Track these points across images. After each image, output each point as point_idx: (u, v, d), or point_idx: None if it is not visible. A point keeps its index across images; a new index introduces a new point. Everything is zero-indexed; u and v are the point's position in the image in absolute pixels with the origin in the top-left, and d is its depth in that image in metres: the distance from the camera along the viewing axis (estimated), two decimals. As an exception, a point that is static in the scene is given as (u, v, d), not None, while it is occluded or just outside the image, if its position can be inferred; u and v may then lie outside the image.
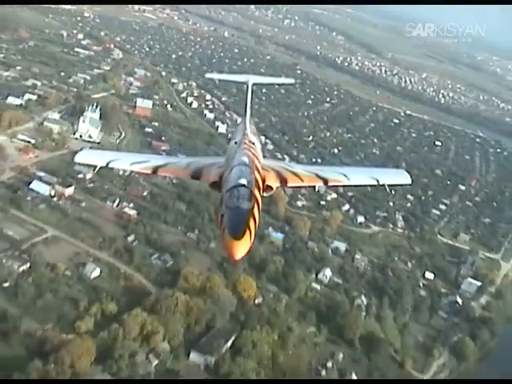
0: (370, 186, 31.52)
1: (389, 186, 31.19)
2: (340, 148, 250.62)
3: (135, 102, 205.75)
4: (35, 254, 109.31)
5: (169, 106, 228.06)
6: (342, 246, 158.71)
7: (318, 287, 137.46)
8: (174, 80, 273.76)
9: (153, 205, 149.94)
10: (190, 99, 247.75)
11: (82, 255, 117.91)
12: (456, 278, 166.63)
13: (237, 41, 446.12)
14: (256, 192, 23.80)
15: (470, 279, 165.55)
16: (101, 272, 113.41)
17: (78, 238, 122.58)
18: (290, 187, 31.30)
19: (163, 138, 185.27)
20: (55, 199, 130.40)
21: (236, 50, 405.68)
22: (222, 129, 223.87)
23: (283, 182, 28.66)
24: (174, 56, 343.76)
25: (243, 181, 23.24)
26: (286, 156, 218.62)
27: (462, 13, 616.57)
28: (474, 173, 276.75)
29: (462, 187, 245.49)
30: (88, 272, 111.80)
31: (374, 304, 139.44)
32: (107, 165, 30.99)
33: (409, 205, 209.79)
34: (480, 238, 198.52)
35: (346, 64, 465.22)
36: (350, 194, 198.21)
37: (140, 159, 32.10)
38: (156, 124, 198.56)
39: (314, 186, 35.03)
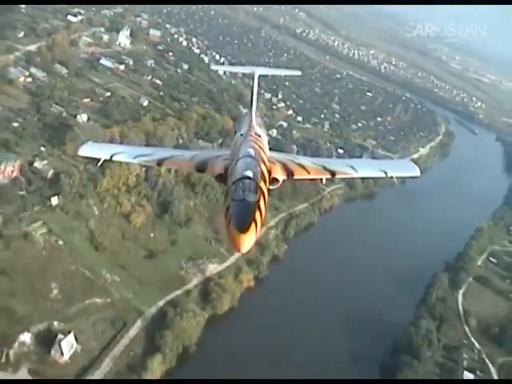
0: (379, 178, 35.33)
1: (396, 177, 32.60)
2: (289, 83, 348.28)
3: (148, 32, 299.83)
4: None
5: (168, 39, 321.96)
6: (285, 125, 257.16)
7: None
8: (167, 25, 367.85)
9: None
10: (180, 39, 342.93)
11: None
12: (360, 153, 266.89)
13: (212, 7, 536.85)
14: (262, 184, 24.87)
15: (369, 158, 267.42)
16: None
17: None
18: (297, 179, 30.93)
19: (170, 53, 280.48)
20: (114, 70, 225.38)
21: (212, 12, 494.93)
22: (206, 59, 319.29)
23: (290, 174, 29.98)
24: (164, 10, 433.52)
25: (249, 173, 24.59)
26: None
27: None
28: (393, 114, 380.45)
29: (379, 119, 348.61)
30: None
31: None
32: (111, 158, 33.07)
33: (335, 120, 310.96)
34: (383, 146, 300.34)
35: (304, 34, 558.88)
36: (294, 105, 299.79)
37: (144, 152, 34.17)
38: (164, 46, 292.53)
39: (321, 179, 32.43)
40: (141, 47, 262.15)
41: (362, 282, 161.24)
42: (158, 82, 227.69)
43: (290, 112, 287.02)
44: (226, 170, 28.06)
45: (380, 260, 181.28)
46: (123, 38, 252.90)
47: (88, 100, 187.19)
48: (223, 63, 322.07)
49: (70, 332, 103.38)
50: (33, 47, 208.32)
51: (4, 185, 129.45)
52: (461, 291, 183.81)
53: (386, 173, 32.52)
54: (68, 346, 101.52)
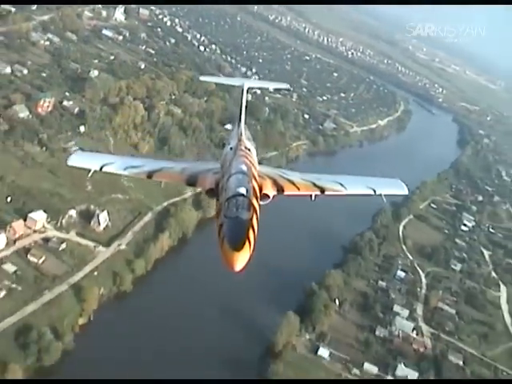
0: (367, 195, 33.32)
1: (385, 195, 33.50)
2: (263, 61, 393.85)
3: (138, 10, 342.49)
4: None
5: (155, 18, 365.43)
6: (259, 92, 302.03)
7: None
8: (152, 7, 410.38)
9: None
10: (164, 19, 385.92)
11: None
12: (324, 120, 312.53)
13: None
14: (254, 201, 24.75)
15: (331, 123, 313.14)
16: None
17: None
18: (287, 195, 30.96)
19: (159, 29, 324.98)
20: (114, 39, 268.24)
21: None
22: (189, 37, 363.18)
23: (280, 190, 29.93)
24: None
25: (242, 190, 24.30)
26: (229, 58, 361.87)
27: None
28: (356, 92, 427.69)
29: (343, 94, 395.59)
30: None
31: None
32: (101, 169, 32.35)
33: (303, 92, 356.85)
34: (344, 115, 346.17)
35: (277, 21, 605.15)
36: (267, 79, 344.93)
37: (134, 163, 33.98)
38: (152, 23, 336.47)
39: (311, 195, 32.02)
40: (133, 23, 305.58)
41: (321, 212, 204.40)
42: (151, 51, 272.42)
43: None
44: (216, 185, 27.99)
45: (338, 201, 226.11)
46: (119, 14, 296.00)
47: (96, 61, 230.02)
48: (203, 41, 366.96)
49: (103, 210, 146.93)
50: (46, 17, 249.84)
51: (44, 116, 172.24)
52: (402, 223, 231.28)
53: (374, 190, 33.30)
54: (103, 219, 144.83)
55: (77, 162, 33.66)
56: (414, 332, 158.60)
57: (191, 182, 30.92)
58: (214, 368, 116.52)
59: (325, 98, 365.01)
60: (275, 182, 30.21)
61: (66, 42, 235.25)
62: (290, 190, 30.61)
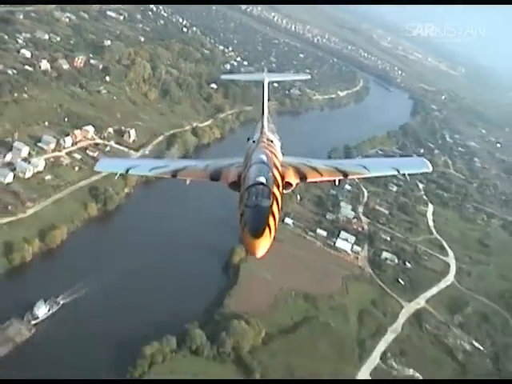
0: (391, 176, 37.36)
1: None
2: (238, 42, 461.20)
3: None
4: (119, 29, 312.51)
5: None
6: (236, 63, 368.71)
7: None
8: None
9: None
10: (150, 6, 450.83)
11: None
12: (290, 88, 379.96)
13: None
14: (275, 189, 26.52)
15: (296, 90, 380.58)
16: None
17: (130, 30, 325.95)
18: (310, 182, 33.25)
19: (150, 13, 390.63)
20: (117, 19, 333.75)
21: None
22: (174, 20, 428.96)
23: (303, 177, 31.68)
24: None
25: (262, 179, 26.08)
26: (208, 39, 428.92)
27: None
28: (320, 70, 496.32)
29: (308, 71, 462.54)
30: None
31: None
32: (127, 171, 35.16)
33: (273, 67, 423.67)
34: (308, 86, 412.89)
35: (248, 10, 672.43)
36: (241, 55, 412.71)
37: (158, 164, 36.66)
38: (143, 8, 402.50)
39: (335, 180, 34.17)
40: (130, 6, 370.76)
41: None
42: (147, 28, 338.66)
43: (239, 58, 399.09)
44: (239, 178, 29.57)
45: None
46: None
47: (107, 34, 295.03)
48: (186, 24, 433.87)
49: (131, 129, 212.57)
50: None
51: (79, 69, 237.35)
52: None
53: (398, 170, 34.01)
54: (132, 134, 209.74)
55: (104, 167, 38.10)
56: (355, 220, 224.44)
57: (215, 177, 33.08)
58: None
59: (292, 71, 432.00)
60: (298, 171, 31.98)
61: (81, 19, 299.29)
62: (312, 177, 32.35)
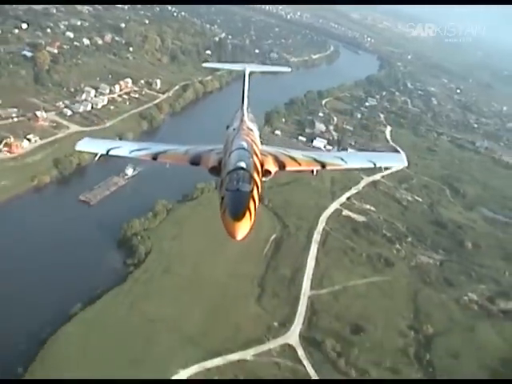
0: (367, 168, 37.27)
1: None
2: (220, 21, 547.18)
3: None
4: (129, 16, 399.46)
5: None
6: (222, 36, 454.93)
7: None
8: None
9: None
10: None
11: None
12: (269, 53, 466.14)
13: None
14: (255, 175, 27.38)
15: (275, 54, 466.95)
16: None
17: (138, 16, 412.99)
18: (288, 171, 34.46)
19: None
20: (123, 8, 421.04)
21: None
22: (169, 8, 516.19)
23: (281, 166, 33.10)
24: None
25: (242, 164, 26.92)
26: (195, 19, 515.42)
27: None
28: (294, 39, 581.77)
29: (283, 40, 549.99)
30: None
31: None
32: (107, 153, 36.06)
33: (252, 39, 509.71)
34: (285, 51, 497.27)
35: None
36: (225, 31, 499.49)
37: (140, 147, 37.53)
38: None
39: (313, 170, 35.76)
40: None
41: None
42: (148, 14, 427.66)
43: (224, 34, 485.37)
44: (219, 163, 30.69)
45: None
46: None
47: (119, 19, 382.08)
48: (175, 11, 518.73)
49: (157, 79, 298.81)
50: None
51: (109, 44, 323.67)
52: (324, 100, 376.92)
53: (374, 164, 35.95)
54: (158, 84, 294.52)
55: (84, 147, 38.03)
56: (327, 132, 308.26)
57: (195, 161, 34.22)
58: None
59: (269, 41, 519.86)
60: (277, 159, 33.22)
61: (96, 9, 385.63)
62: (291, 166, 33.78)
